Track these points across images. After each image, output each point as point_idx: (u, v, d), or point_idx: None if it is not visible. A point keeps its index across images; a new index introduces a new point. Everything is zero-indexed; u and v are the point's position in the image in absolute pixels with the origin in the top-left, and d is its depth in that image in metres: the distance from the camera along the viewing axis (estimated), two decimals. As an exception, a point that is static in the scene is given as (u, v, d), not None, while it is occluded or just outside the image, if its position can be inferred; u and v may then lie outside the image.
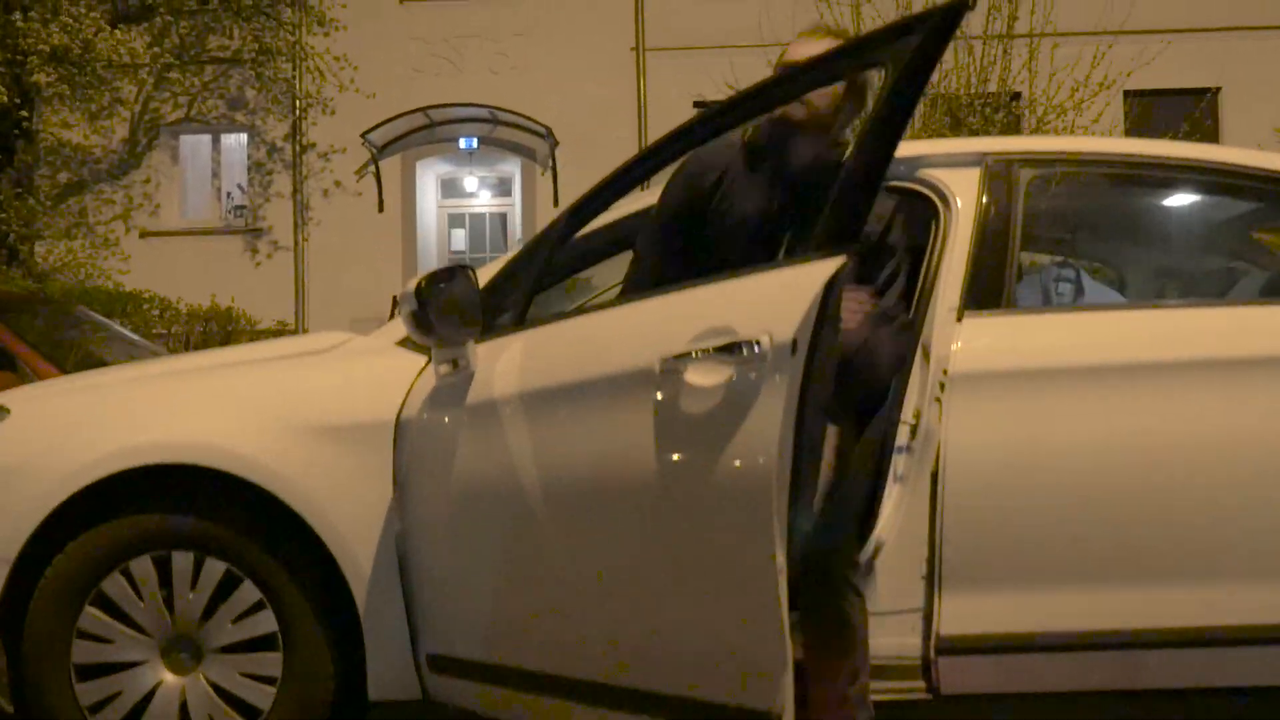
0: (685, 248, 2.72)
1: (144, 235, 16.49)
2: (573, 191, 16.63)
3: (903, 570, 2.57)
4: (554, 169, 16.41)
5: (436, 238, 17.81)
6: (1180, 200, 3.36)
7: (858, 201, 2.06)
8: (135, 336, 7.16)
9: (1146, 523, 2.56)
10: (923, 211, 2.79)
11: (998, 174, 2.79)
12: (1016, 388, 2.60)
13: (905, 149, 2.79)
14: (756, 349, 2.02)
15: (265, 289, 16.37)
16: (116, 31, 13.13)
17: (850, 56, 2.22)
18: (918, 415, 2.64)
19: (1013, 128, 12.00)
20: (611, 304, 2.58)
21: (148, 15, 14.24)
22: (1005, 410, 2.59)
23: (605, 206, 2.71)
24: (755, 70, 13.82)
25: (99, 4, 13.40)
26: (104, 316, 10.26)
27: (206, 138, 17.18)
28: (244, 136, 17.07)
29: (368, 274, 16.58)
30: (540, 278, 2.61)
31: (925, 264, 2.75)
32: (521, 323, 2.57)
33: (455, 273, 2.50)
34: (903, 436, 2.67)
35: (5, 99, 12.26)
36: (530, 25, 16.57)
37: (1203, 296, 3.84)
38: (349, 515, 2.61)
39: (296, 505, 2.61)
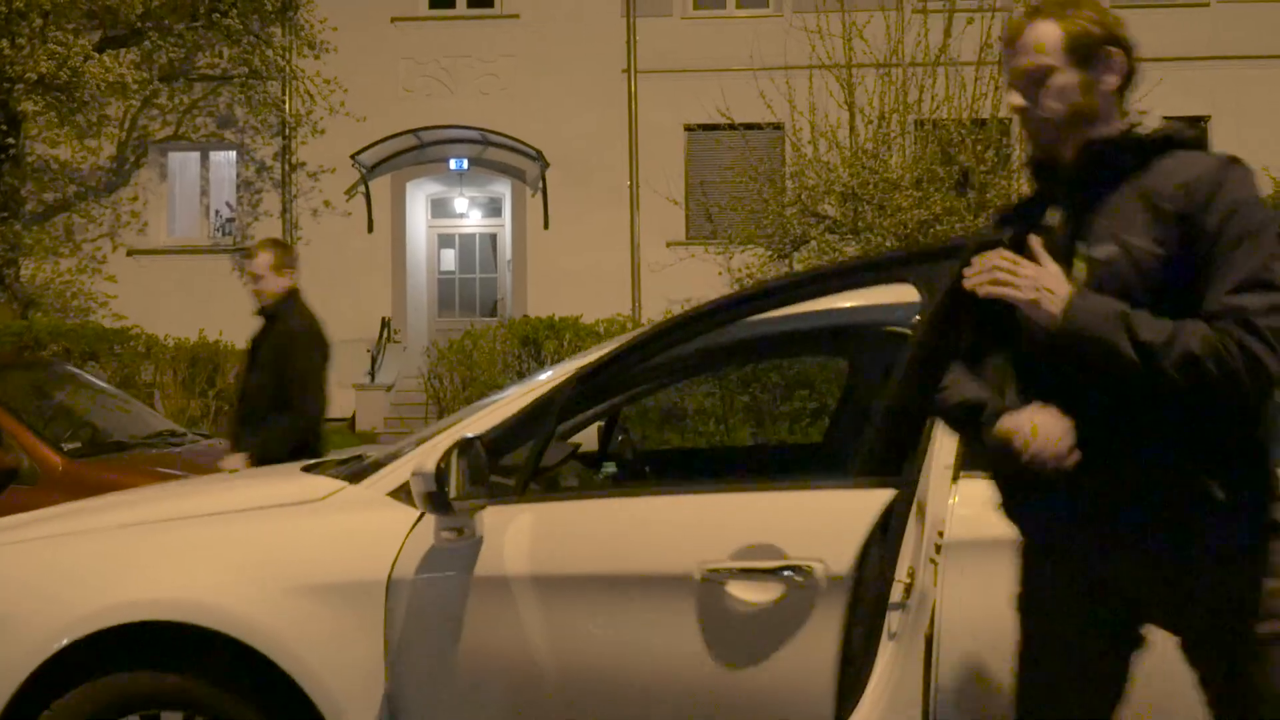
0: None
1: (131, 253, 16.40)
2: (563, 213, 16.68)
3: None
4: (544, 191, 16.39)
5: (426, 258, 17.77)
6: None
7: (904, 428, 2.04)
8: (121, 394, 7.11)
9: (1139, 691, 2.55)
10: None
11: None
12: (1013, 555, 2.59)
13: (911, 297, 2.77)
14: (807, 575, 2.01)
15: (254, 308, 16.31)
16: (104, 57, 13.04)
17: (875, 270, 2.21)
18: (911, 573, 2.63)
19: (1003, 163, 12.02)
20: (642, 492, 2.57)
21: (136, 39, 14.15)
22: (1001, 577, 2.57)
23: (612, 378, 2.69)
24: (747, 94, 13.87)
25: (87, 28, 13.31)
26: (91, 355, 10.24)
27: (195, 155, 17.10)
28: (233, 154, 17.00)
29: (357, 294, 16.54)
30: (545, 445, 2.60)
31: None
32: (525, 490, 2.55)
33: (466, 446, 2.49)
34: (897, 593, 2.66)
35: (-8, 126, 12.20)
36: (521, 46, 16.54)
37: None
38: (339, 674, 2.59)
39: (286, 664, 2.58)
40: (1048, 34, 2.07)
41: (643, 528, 2.37)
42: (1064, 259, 2.00)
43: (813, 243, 12.75)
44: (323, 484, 2.87)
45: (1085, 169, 2.05)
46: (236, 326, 15.26)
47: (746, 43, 14.94)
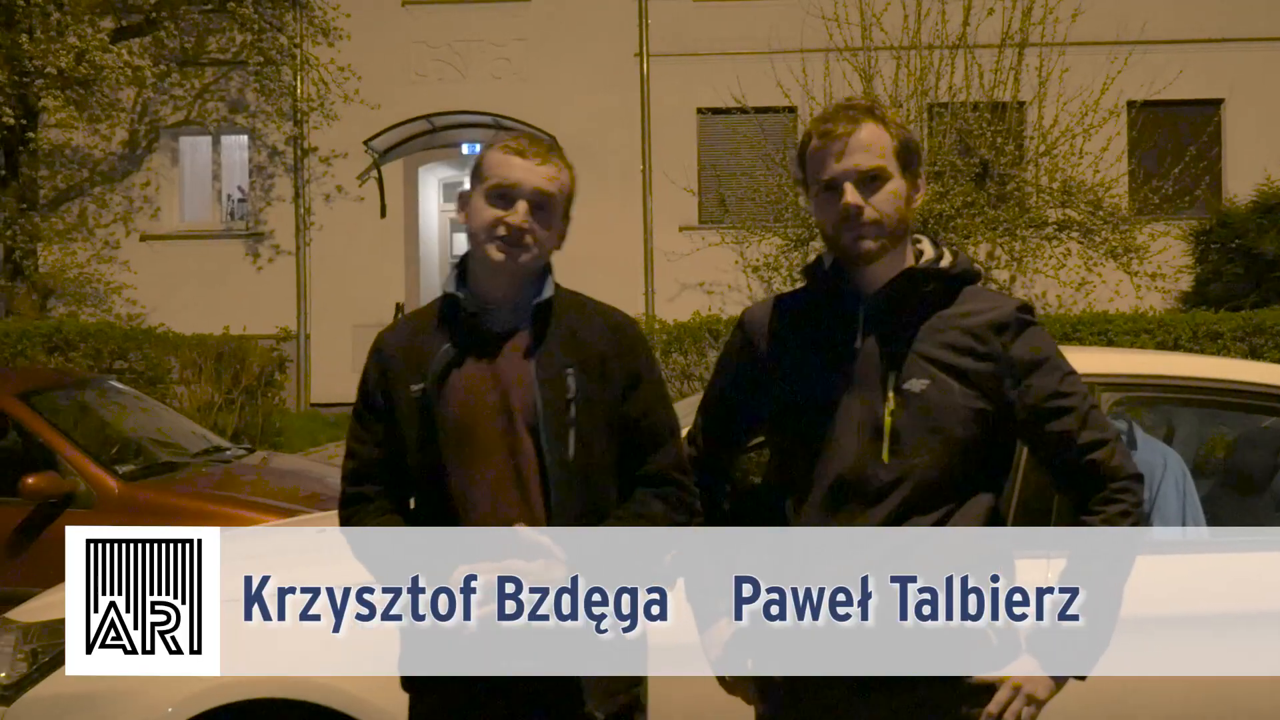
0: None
1: (145, 239, 16.40)
2: (575, 196, 16.56)
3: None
4: (557, 175, 16.35)
5: (439, 243, 17.78)
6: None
7: None
8: (162, 406, 7.16)
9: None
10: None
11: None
12: None
13: None
14: None
15: (268, 293, 16.34)
16: (121, 50, 12.98)
17: None
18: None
19: (1022, 155, 12.04)
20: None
21: (150, 28, 14.08)
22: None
23: None
24: (760, 78, 13.84)
25: (102, 18, 13.23)
26: (120, 354, 10.29)
27: (206, 139, 17.04)
28: (244, 137, 16.95)
29: (370, 279, 16.56)
30: None
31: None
32: None
33: None
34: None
35: (11, 119, 12.16)
36: (533, 30, 16.46)
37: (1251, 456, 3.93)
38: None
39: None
40: (880, 136, 2.03)
41: None
42: (877, 387, 2.01)
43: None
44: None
45: (900, 295, 2.04)
46: (249, 309, 15.37)
47: (760, 25, 14.89)
